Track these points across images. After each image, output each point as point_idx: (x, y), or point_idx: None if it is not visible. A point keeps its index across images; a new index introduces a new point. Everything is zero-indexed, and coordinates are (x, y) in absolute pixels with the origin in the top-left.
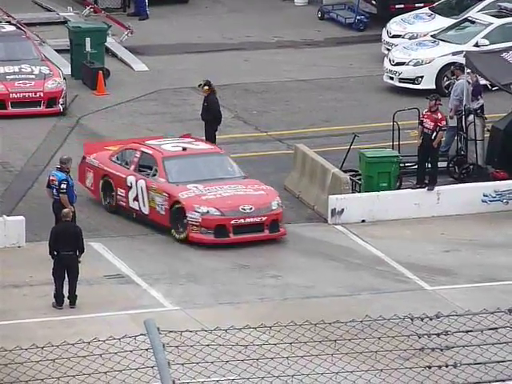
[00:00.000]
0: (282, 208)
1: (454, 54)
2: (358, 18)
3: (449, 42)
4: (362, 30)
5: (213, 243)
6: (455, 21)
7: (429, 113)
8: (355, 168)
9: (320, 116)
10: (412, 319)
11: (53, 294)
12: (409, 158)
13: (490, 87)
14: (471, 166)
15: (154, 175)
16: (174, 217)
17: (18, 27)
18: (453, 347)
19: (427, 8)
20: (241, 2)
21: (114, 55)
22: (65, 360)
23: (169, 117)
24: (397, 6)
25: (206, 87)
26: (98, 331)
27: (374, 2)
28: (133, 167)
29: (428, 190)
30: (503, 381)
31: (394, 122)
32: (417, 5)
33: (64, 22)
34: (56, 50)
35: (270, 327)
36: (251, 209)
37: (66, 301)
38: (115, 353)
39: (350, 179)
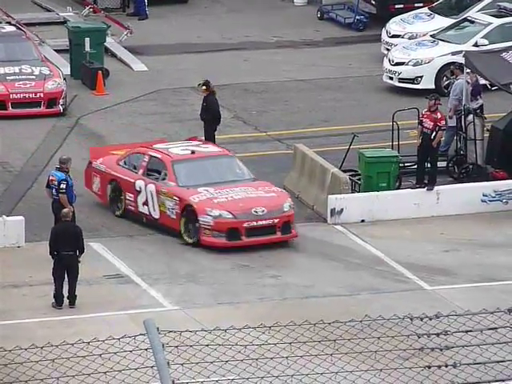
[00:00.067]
0: (294, 210)
1: (453, 53)
2: (357, 17)
3: (448, 41)
4: (362, 29)
5: (225, 246)
6: (454, 21)
7: (428, 112)
8: (355, 168)
9: (319, 116)
10: (411, 319)
11: (52, 293)
12: (408, 157)
13: (489, 87)
14: (471, 166)
15: (164, 179)
16: (186, 221)
17: (18, 28)
18: (452, 347)
19: (427, 8)
20: (240, 2)
21: (114, 55)
22: (64, 360)
23: (168, 117)
24: (396, 6)
25: (204, 87)
26: (97, 331)
27: (373, 2)
28: (141, 171)
29: (427, 189)
30: (503, 381)
31: (393, 121)
32: (416, 5)
33: (63, 22)
34: (55, 50)
35: (270, 327)
36: (263, 211)
37: (66, 301)
38: (115, 353)
39: (350, 179)
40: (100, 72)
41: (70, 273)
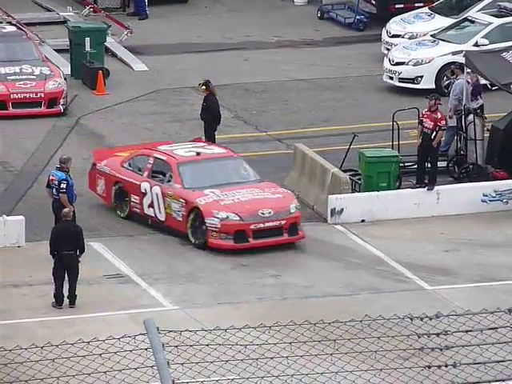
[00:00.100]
0: (300, 211)
1: (453, 53)
2: (357, 17)
3: (448, 41)
4: (362, 29)
5: (232, 249)
6: (455, 20)
7: (428, 112)
8: (355, 168)
9: (319, 116)
10: (411, 319)
11: (52, 293)
12: (408, 157)
13: (489, 87)
14: (471, 166)
15: (169, 181)
16: (192, 223)
17: (19, 27)
18: (452, 347)
19: (427, 8)
20: (240, 2)
21: (114, 55)
22: (64, 360)
23: (168, 116)
24: (396, 6)
25: (203, 87)
26: (97, 331)
27: (373, 2)
28: (146, 173)
29: (428, 189)
30: (503, 380)
31: (393, 121)
32: (416, 4)
33: (64, 22)
34: (55, 50)
35: (270, 327)
36: (270, 213)
37: (66, 300)
38: (115, 352)
39: (350, 179)
40: (100, 72)
41: (71, 272)
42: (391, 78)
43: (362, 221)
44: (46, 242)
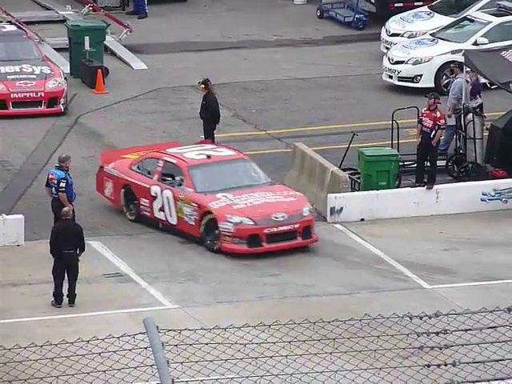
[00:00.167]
0: (313, 214)
1: (453, 52)
2: (357, 16)
3: (448, 40)
4: (361, 28)
5: (246, 253)
6: (454, 19)
7: (428, 111)
8: (354, 166)
9: (319, 114)
10: (411, 318)
11: (52, 292)
12: (408, 156)
13: (489, 86)
14: (470, 165)
15: (180, 185)
16: (206, 227)
17: (19, 27)
18: (452, 346)
19: (426, 7)
20: (240, 1)
21: (113, 54)
22: (64, 358)
23: (168, 115)
24: (396, 5)
25: (203, 86)
26: (97, 330)
27: (373, 1)
28: (156, 177)
29: (427, 188)
30: (502, 379)
31: (393, 120)
32: (416, 3)
33: (63, 21)
34: (55, 49)
35: (269, 326)
36: (283, 217)
37: (65, 299)
38: (114, 351)
39: (349, 178)
40: (100, 70)
41: (70, 271)
42: (391, 77)
43: (362, 220)
44: (45, 240)
